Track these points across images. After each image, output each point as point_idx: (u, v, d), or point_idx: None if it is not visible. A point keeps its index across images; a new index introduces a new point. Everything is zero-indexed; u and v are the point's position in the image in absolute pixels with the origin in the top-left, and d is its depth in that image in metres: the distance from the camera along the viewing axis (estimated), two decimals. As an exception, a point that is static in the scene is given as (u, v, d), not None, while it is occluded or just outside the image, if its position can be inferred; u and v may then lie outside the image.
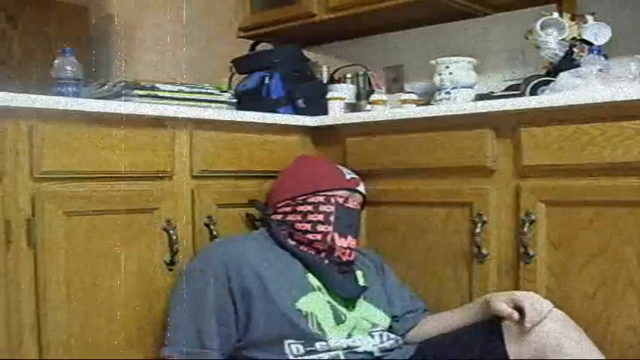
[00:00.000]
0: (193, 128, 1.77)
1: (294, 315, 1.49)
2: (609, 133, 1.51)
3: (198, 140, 1.77)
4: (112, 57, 3.93)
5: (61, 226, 1.47)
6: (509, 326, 1.43)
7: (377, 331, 1.59)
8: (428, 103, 2.21)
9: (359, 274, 1.70)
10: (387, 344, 1.57)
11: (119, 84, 1.73)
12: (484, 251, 1.71)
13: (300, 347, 1.47)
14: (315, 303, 1.53)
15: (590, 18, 1.94)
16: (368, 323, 1.58)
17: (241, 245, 1.60)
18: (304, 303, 1.51)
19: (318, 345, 1.47)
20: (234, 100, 1.99)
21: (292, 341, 1.47)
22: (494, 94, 2.08)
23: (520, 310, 1.40)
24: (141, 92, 1.73)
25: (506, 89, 2.13)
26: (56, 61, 1.72)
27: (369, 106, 2.27)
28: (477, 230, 1.71)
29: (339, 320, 1.54)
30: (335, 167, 1.78)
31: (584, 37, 1.91)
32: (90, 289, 1.52)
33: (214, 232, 1.76)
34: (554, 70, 1.87)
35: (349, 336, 1.53)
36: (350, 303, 1.59)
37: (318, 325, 1.50)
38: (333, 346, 1.49)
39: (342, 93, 2.33)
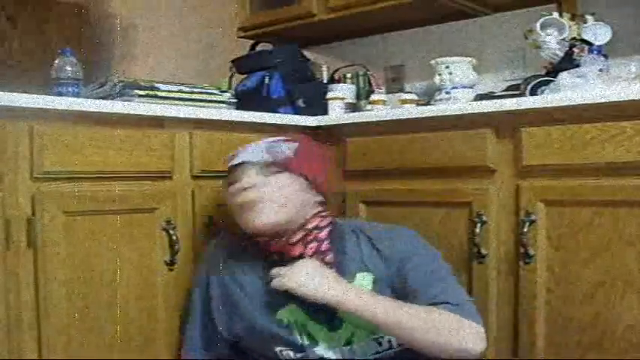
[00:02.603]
0: (193, 128, 1.76)
1: (275, 326, 1.41)
2: (609, 133, 1.51)
3: (198, 140, 1.77)
4: (112, 57, 3.93)
5: (61, 226, 1.46)
6: None
7: (384, 337, 1.39)
8: (428, 103, 2.21)
9: (362, 277, 1.40)
10: (384, 355, 1.39)
11: (119, 84, 1.73)
12: (483, 251, 1.71)
13: (291, 352, 1.41)
14: (300, 311, 1.40)
15: (590, 18, 1.94)
16: (367, 331, 1.38)
17: (230, 247, 1.54)
18: (286, 312, 1.41)
19: (309, 351, 1.39)
20: (234, 100, 1.99)
21: (282, 347, 1.41)
22: (495, 94, 2.08)
23: None
24: (141, 92, 1.73)
25: (506, 89, 2.12)
26: (56, 61, 1.72)
27: (369, 106, 2.27)
28: (477, 230, 1.71)
29: (332, 327, 1.39)
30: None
31: (584, 37, 1.91)
32: (90, 289, 1.52)
33: (214, 232, 1.76)
34: (554, 70, 1.87)
35: (348, 343, 1.39)
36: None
37: (308, 334, 1.40)
38: (324, 355, 1.38)
39: (342, 93, 2.33)
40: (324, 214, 1.47)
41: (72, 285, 1.48)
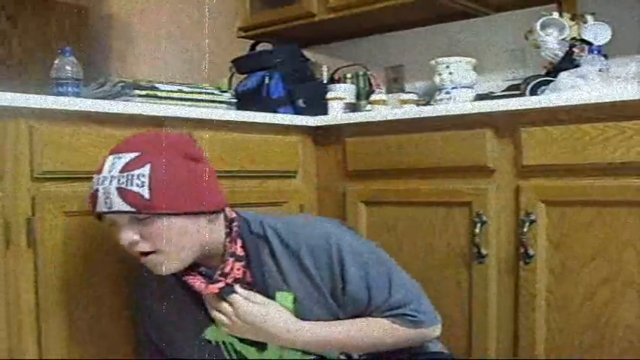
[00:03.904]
0: (193, 128, 1.76)
1: (203, 346, 1.32)
2: (609, 133, 1.51)
3: (198, 140, 1.76)
4: (112, 57, 3.93)
5: (61, 226, 1.46)
6: None
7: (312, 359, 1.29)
8: (428, 103, 2.21)
9: (281, 297, 1.26)
10: None
11: (119, 84, 1.73)
12: (483, 251, 1.71)
13: None
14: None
15: (590, 18, 1.94)
16: (295, 352, 1.27)
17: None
18: (213, 331, 1.31)
19: None
20: (234, 100, 1.99)
21: None
22: (494, 94, 2.08)
23: None
24: (141, 92, 1.73)
25: (506, 89, 2.13)
26: (56, 61, 1.72)
27: (369, 106, 2.27)
28: (477, 230, 1.71)
29: (260, 347, 1.29)
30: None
31: (584, 37, 1.91)
32: (90, 289, 1.52)
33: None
34: (554, 70, 1.87)
35: None
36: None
37: (237, 353, 1.30)
38: None
39: (342, 93, 2.33)
40: (230, 226, 1.28)
41: (72, 285, 1.48)
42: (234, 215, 1.30)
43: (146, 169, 1.15)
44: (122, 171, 1.15)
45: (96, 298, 1.53)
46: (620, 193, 1.52)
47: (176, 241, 1.19)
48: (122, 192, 1.14)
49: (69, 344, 1.48)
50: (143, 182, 1.14)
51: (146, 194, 1.14)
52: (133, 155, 1.17)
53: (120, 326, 1.57)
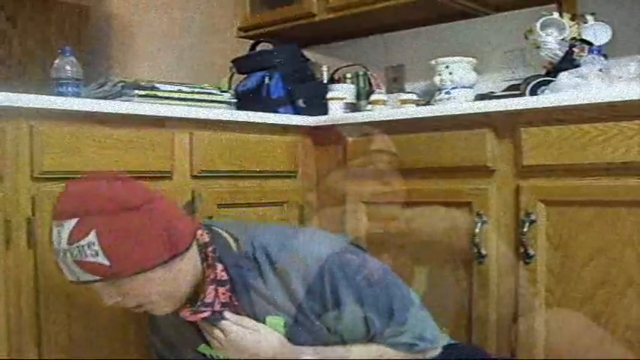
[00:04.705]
0: (193, 128, 1.77)
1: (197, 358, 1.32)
2: (609, 133, 1.51)
3: (198, 140, 1.77)
4: (112, 57, 3.93)
5: (61, 226, 1.46)
6: None
7: None
8: (428, 103, 2.21)
9: (271, 322, 1.23)
10: None
11: (119, 84, 1.73)
12: (483, 251, 1.71)
13: None
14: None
15: (590, 18, 1.94)
16: None
17: None
18: (206, 347, 1.29)
19: None
20: (234, 100, 2.00)
21: None
22: (494, 94, 2.08)
23: None
24: (141, 92, 1.73)
25: (506, 89, 2.13)
26: (56, 61, 1.72)
27: (369, 106, 2.27)
28: (477, 230, 1.71)
29: None
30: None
31: (584, 37, 1.91)
32: (89, 288, 1.52)
33: (214, 232, 1.75)
34: (554, 70, 1.87)
35: None
36: None
37: None
38: None
39: (342, 93, 2.33)
40: (205, 252, 1.22)
41: (71, 285, 1.48)
42: (206, 239, 1.22)
43: (92, 237, 1.07)
44: (70, 243, 1.08)
45: (95, 299, 1.53)
46: (620, 193, 1.51)
47: (158, 291, 1.15)
48: (80, 264, 1.09)
49: (68, 344, 1.48)
50: (96, 251, 1.07)
51: (105, 262, 1.08)
52: (72, 222, 1.08)
53: (119, 327, 1.57)
